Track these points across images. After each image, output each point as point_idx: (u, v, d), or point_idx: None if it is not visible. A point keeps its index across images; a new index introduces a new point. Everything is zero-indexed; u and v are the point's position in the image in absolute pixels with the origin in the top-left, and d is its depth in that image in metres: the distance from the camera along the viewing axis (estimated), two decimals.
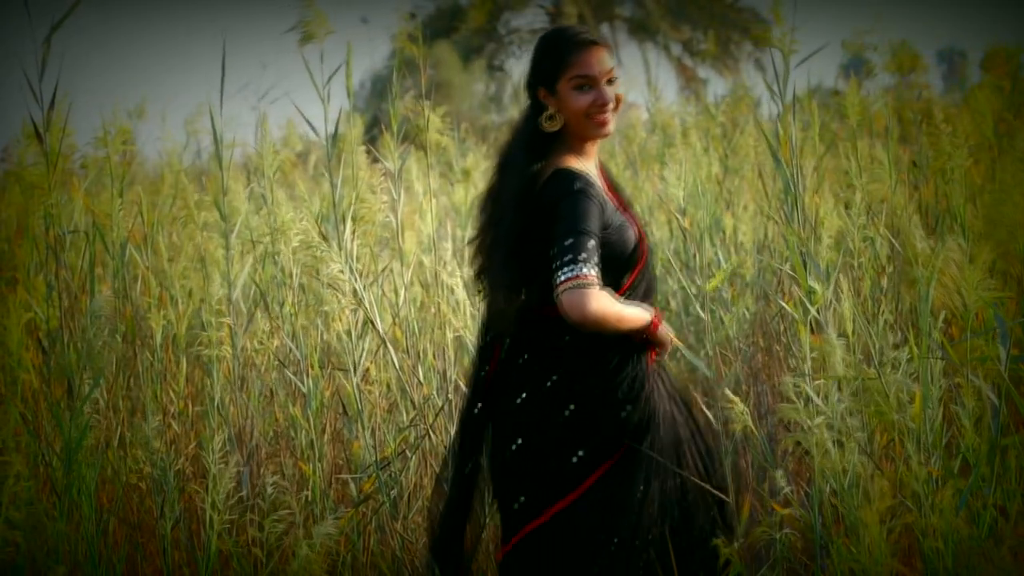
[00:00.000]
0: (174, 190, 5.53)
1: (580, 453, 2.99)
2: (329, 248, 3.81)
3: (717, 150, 6.68)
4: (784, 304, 2.95)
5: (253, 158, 4.49)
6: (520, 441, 3.04)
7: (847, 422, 2.74)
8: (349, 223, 3.95)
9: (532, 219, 3.00)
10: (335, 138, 4.05)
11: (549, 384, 3.04)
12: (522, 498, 3.05)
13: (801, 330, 3.05)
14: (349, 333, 3.96)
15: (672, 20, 23.82)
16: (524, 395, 3.06)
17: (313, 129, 4.01)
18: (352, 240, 3.94)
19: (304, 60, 3.85)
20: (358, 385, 3.98)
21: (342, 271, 3.80)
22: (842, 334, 3.30)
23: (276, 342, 4.48)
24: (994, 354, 2.61)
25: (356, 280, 3.87)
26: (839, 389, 2.84)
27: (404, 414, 4.25)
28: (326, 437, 4.21)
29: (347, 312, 3.88)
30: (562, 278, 2.87)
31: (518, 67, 24.86)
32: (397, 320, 4.32)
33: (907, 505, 2.72)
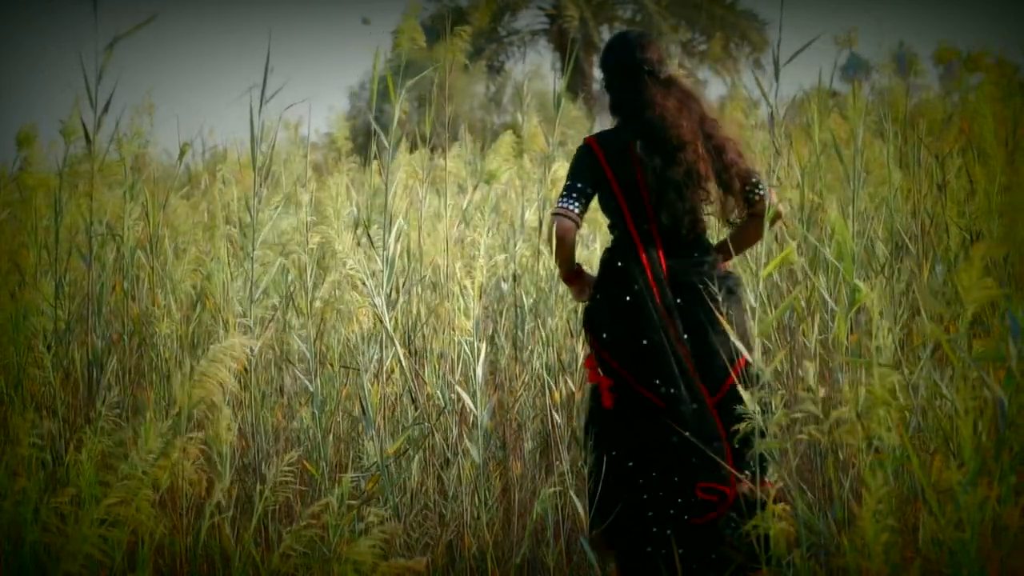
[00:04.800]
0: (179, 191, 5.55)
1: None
2: (356, 246, 3.88)
3: None
4: (828, 298, 3.01)
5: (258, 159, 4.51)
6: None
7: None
8: (396, 226, 4.06)
9: None
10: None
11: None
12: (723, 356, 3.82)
13: (841, 326, 3.11)
14: (364, 333, 4.01)
15: (673, 22, 23.84)
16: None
17: (379, 133, 4.09)
18: (396, 242, 4.04)
19: (386, 69, 3.97)
20: (380, 384, 4.04)
21: (356, 269, 3.85)
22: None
23: (284, 343, 4.50)
24: (1005, 352, 2.64)
25: (369, 279, 3.92)
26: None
27: (406, 414, 4.28)
28: (331, 436, 4.24)
29: (364, 312, 3.94)
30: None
31: (518, 68, 24.88)
32: (402, 321, 4.35)
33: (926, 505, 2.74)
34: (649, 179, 3.90)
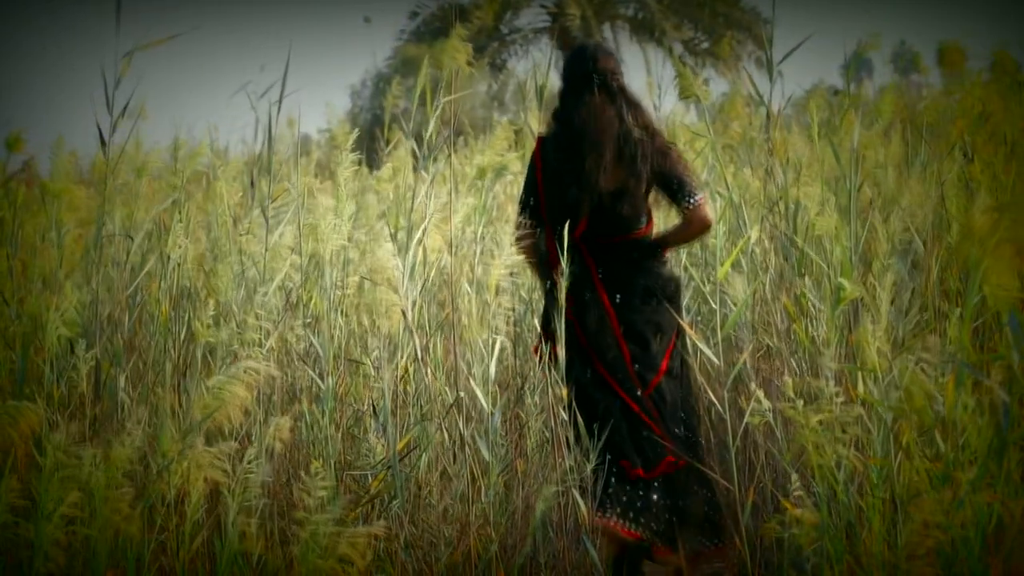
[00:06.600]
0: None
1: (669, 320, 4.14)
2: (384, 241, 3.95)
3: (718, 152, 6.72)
4: (817, 303, 3.04)
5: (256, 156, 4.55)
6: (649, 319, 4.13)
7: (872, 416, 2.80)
8: (422, 225, 4.16)
9: None
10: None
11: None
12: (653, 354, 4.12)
13: (831, 324, 3.14)
14: (387, 330, 4.06)
15: (675, 20, 23.82)
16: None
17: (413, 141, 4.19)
18: (421, 242, 4.14)
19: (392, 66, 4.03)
20: (395, 380, 4.10)
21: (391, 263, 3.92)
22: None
23: (302, 344, 4.53)
24: (1007, 353, 2.65)
25: (404, 273, 3.98)
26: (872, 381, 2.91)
27: (416, 410, 4.31)
28: (340, 434, 4.27)
29: (396, 308, 4.00)
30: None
31: (520, 66, 24.88)
32: (420, 319, 4.39)
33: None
34: (567, 181, 4.11)
